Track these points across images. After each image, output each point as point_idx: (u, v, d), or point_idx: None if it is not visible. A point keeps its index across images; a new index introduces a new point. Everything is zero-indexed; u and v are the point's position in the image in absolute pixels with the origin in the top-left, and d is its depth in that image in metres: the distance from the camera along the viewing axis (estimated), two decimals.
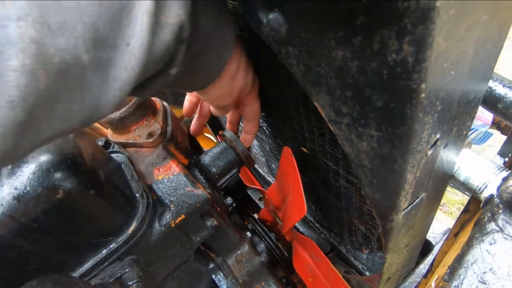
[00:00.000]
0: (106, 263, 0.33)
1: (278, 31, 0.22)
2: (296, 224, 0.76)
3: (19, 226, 0.26)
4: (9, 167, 0.26)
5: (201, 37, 0.25)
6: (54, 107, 0.17)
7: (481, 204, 0.34)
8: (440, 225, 0.96)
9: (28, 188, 0.25)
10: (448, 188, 1.89)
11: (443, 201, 1.91)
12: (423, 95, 0.16)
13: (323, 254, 0.51)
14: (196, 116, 0.48)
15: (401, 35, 0.14)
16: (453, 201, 1.90)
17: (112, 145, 0.43)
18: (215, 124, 0.87)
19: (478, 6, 0.15)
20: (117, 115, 0.37)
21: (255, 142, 0.72)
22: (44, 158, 0.26)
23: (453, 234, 0.45)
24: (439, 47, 0.14)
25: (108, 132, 0.41)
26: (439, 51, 0.14)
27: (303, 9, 0.19)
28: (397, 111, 0.18)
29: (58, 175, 0.26)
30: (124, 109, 0.37)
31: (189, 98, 0.45)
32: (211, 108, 0.42)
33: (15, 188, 0.25)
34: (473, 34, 0.16)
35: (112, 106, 0.20)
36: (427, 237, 0.58)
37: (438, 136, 0.22)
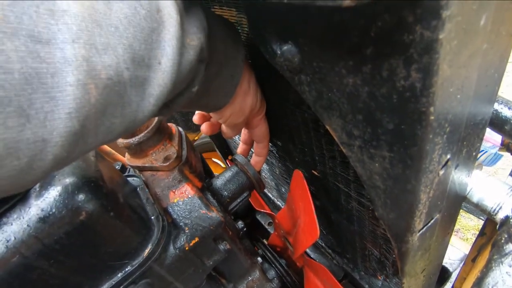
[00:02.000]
0: (121, 287, 0.33)
1: (291, 61, 0.24)
2: (308, 250, 0.74)
3: (42, 247, 0.26)
4: (37, 189, 0.27)
5: (217, 59, 0.29)
6: (101, 120, 0.19)
7: (497, 226, 0.34)
8: (457, 251, 0.93)
9: (53, 210, 0.26)
10: (463, 213, 1.83)
11: (458, 226, 1.84)
12: (432, 117, 0.17)
13: (336, 281, 0.50)
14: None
15: (408, 64, 0.16)
16: (468, 227, 1.83)
17: (128, 169, 0.44)
18: (224, 149, 0.88)
19: (478, 36, 0.16)
20: (136, 140, 0.39)
21: (264, 166, 0.73)
22: (69, 180, 0.28)
23: (470, 259, 0.44)
24: (444, 73, 0.16)
25: (126, 157, 0.43)
26: (444, 77, 0.16)
27: (315, 40, 0.21)
28: (407, 133, 0.19)
29: (81, 197, 0.27)
30: (142, 134, 0.39)
31: (197, 117, 0.47)
32: (223, 128, 0.44)
33: (42, 210, 0.26)
34: (475, 61, 0.18)
35: (146, 120, 0.22)
36: (444, 264, 0.56)
37: (448, 156, 0.22)
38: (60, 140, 0.17)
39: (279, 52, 0.24)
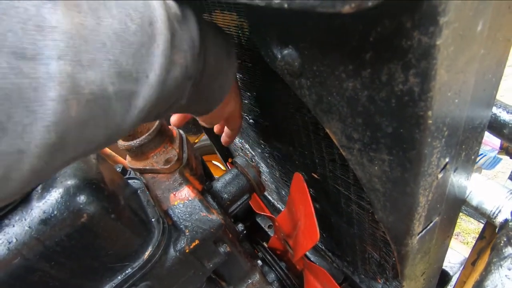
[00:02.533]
0: None
1: (291, 65, 0.24)
2: (308, 253, 0.74)
3: (44, 249, 0.26)
4: (39, 190, 0.27)
5: (209, 71, 0.29)
6: (82, 132, 0.19)
7: (497, 229, 0.34)
8: (457, 254, 0.93)
9: (55, 212, 0.26)
10: (463, 217, 1.83)
11: (458, 230, 1.84)
12: (430, 121, 0.18)
13: (336, 284, 0.50)
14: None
15: (407, 68, 0.16)
16: (469, 230, 1.83)
17: (129, 171, 0.44)
18: (225, 152, 0.89)
19: (475, 42, 0.17)
20: (137, 142, 0.39)
21: (264, 168, 0.73)
22: (70, 182, 0.28)
23: (470, 262, 0.44)
24: (441, 78, 0.16)
25: (127, 159, 0.43)
26: (442, 82, 0.16)
27: (315, 45, 0.21)
28: (406, 136, 0.19)
29: (83, 199, 0.28)
30: (144, 136, 0.39)
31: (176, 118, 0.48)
32: (200, 122, 0.45)
33: (44, 212, 0.26)
34: (473, 66, 0.18)
35: (128, 130, 0.23)
36: (444, 267, 0.56)
37: (447, 160, 0.23)
38: (37, 151, 0.17)
39: (279, 56, 0.25)
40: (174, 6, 0.24)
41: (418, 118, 0.18)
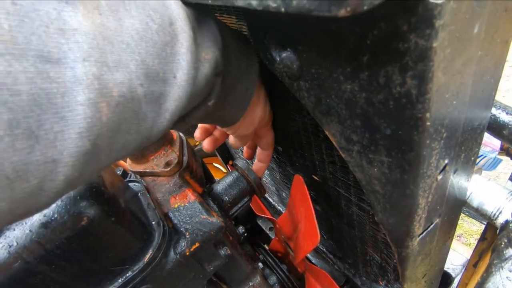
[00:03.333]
0: None
1: (290, 68, 0.24)
2: (309, 255, 0.74)
3: (44, 252, 0.27)
4: None
5: (232, 72, 0.28)
6: (114, 138, 0.18)
7: (497, 231, 0.34)
8: (459, 256, 0.92)
9: (56, 215, 0.26)
10: (466, 218, 1.82)
11: (460, 231, 1.83)
12: (428, 123, 0.18)
13: (338, 287, 0.49)
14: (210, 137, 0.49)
15: (404, 71, 0.16)
16: (471, 232, 1.82)
17: (129, 174, 0.44)
18: (225, 154, 0.89)
19: (472, 44, 0.17)
20: None
21: (265, 171, 0.73)
22: None
23: (472, 264, 0.43)
24: (439, 80, 0.16)
25: (127, 162, 0.43)
26: (439, 84, 0.16)
27: (313, 48, 0.21)
28: (405, 138, 0.19)
29: (83, 203, 0.28)
30: None
31: (201, 125, 0.47)
32: (231, 139, 0.43)
33: (44, 215, 0.26)
34: (470, 68, 0.18)
35: (160, 134, 0.22)
36: (447, 269, 0.56)
37: (446, 161, 0.23)
38: (70, 160, 0.16)
39: (278, 59, 0.25)
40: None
41: (416, 120, 0.18)
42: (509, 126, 0.32)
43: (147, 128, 0.20)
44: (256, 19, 0.26)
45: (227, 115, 0.32)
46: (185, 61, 0.21)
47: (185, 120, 0.27)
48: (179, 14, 0.21)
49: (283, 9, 0.14)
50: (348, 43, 0.18)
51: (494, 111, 0.33)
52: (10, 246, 0.26)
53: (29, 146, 0.15)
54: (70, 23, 0.16)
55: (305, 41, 0.21)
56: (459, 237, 1.80)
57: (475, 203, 0.35)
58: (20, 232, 0.26)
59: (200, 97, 0.25)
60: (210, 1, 0.20)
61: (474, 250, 0.43)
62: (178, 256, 0.36)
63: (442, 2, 0.13)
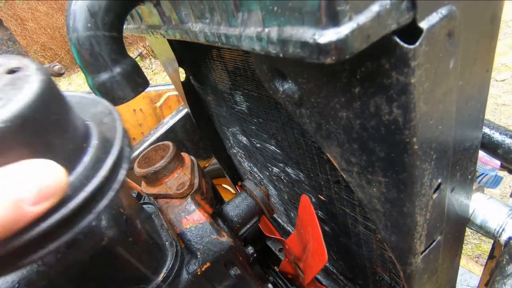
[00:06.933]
0: None
1: (292, 97, 0.27)
2: (319, 277, 0.73)
3: (67, 272, 0.28)
4: None
5: None
6: None
7: (502, 248, 0.34)
8: (476, 278, 0.90)
9: (80, 235, 0.28)
10: (484, 239, 1.75)
11: (479, 252, 1.76)
12: (416, 146, 0.20)
13: None
14: None
15: (390, 102, 0.18)
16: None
17: (144, 197, 0.47)
18: (234, 175, 0.91)
19: (449, 77, 0.19)
20: (152, 169, 0.42)
21: (273, 191, 0.75)
22: None
23: (483, 283, 0.43)
24: (421, 109, 0.18)
25: (142, 185, 0.45)
26: (422, 112, 0.18)
27: (311, 80, 0.24)
28: (397, 160, 0.21)
29: (104, 223, 0.30)
30: (158, 164, 0.42)
31: None
32: None
33: None
34: (451, 97, 0.20)
35: None
36: None
37: (439, 180, 0.24)
38: None
39: (281, 89, 0.28)
40: None
41: (405, 144, 0.20)
42: (503, 146, 0.33)
43: None
44: (259, 55, 0.29)
45: None
46: None
47: None
48: None
49: (281, 55, 0.17)
50: (340, 78, 0.20)
51: (488, 131, 0.34)
52: (38, 266, 0.28)
53: None
54: None
55: (303, 75, 0.24)
56: (477, 258, 1.72)
57: (478, 220, 0.36)
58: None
59: None
60: (219, 44, 0.23)
61: (484, 269, 0.43)
62: (190, 276, 0.38)
63: (415, 47, 0.15)
